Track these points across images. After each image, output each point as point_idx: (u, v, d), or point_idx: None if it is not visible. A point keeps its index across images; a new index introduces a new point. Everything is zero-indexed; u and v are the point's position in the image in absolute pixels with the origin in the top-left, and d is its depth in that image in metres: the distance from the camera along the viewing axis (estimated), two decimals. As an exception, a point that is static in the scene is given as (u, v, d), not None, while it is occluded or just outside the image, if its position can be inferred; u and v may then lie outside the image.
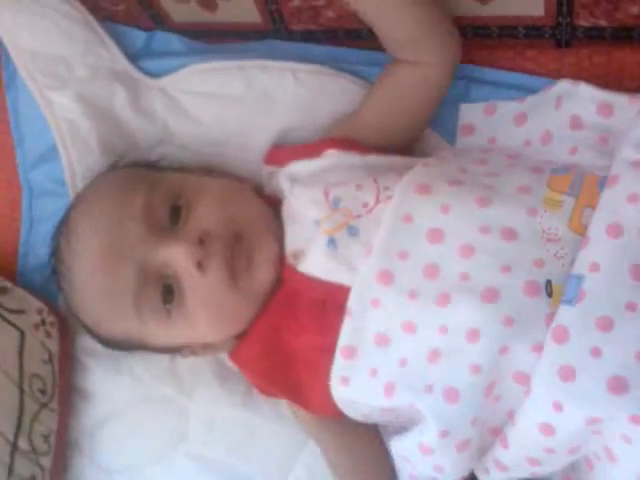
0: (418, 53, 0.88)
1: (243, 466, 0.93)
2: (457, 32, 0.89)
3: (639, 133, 0.77)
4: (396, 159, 0.88)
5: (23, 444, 0.89)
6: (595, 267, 0.72)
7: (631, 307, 0.71)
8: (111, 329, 0.87)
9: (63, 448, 0.95)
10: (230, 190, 0.88)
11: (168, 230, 0.82)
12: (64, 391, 0.94)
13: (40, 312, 0.93)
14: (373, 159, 0.87)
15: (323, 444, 0.90)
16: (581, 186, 0.78)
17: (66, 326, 0.95)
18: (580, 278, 0.73)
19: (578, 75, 0.89)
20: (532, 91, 0.91)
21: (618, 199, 0.75)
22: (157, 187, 0.84)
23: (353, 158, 0.87)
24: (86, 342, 0.94)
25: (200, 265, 0.80)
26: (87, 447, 0.97)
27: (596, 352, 0.70)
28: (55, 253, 0.89)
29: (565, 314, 0.72)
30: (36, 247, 0.99)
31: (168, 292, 0.82)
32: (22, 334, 0.91)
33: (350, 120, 0.92)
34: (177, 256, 0.80)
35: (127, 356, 0.94)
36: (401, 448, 0.81)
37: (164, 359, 0.94)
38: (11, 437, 0.88)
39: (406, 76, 0.89)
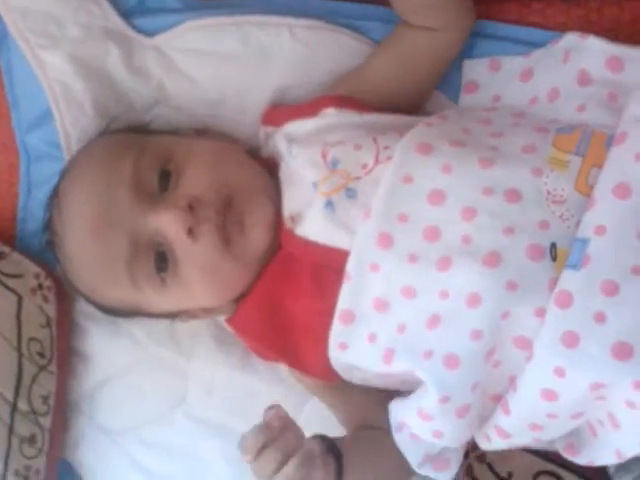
0: (432, 18, 0.85)
1: (242, 427, 0.91)
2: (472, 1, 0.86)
3: None
4: (397, 118, 0.86)
5: (22, 405, 0.90)
6: (601, 230, 0.70)
7: (638, 271, 0.69)
8: (107, 297, 0.86)
9: (62, 409, 0.96)
10: (221, 152, 0.86)
11: (158, 196, 0.80)
12: (63, 354, 0.94)
13: (37, 276, 0.93)
14: (372, 118, 0.85)
15: (331, 406, 0.90)
16: (588, 145, 0.75)
17: (63, 290, 0.95)
18: (585, 241, 0.71)
19: (586, 29, 0.85)
20: (538, 46, 0.88)
21: (626, 157, 0.72)
22: (146, 152, 0.82)
23: (352, 117, 0.85)
24: (85, 306, 0.93)
25: (191, 232, 0.78)
26: (87, 408, 0.97)
27: (600, 317, 0.68)
28: (48, 223, 0.87)
29: (569, 279, 0.70)
30: (34, 211, 0.97)
31: (162, 260, 0.81)
32: (20, 298, 0.91)
33: (352, 79, 0.89)
34: (166, 223, 0.79)
35: (126, 319, 0.93)
36: (400, 413, 0.80)
37: (162, 322, 0.93)
38: (11, 398, 0.89)
39: (417, 42, 0.86)
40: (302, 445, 0.67)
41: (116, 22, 0.92)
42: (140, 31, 0.93)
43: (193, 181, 0.80)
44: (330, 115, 0.85)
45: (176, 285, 0.81)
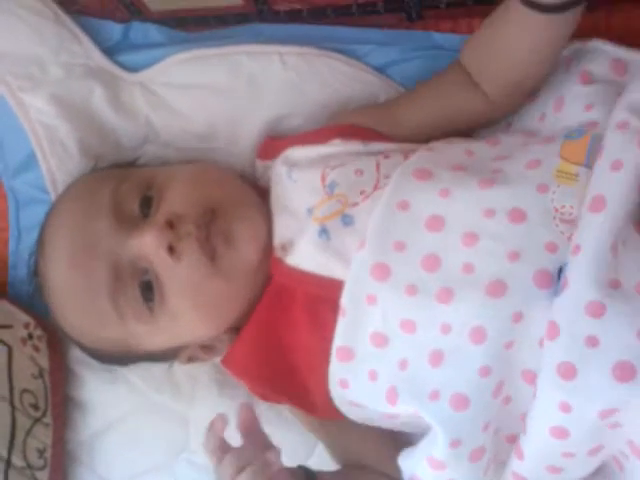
0: (506, 97, 0.80)
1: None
2: None
3: (635, 98, 0.70)
4: (402, 145, 0.81)
5: (17, 461, 0.86)
6: (577, 249, 0.65)
7: (616, 284, 0.64)
8: (97, 338, 0.81)
9: (60, 461, 0.92)
10: (204, 171, 0.82)
11: (140, 221, 0.77)
12: (58, 404, 0.91)
13: (27, 326, 0.90)
14: (377, 146, 0.81)
15: (328, 446, 0.85)
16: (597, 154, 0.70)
17: (56, 339, 0.91)
18: (565, 265, 0.66)
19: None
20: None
21: (603, 168, 0.67)
22: (127, 180, 0.79)
23: (356, 146, 0.81)
24: (80, 353, 0.89)
25: (172, 250, 0.74)
26: (86, 458, 0.94)
27: (592, 341, 0.63)
28: (34, 268, 0.84)
29: (554, 307, 0.65)
30: (25, 257, 0.93)
31: (147, 289, 0.76)
32: (9, 349, 0.88)
33: (378, 113, 0.84)
34: (145, 245, 0.74)
35: (122, 366, 0.89)
36: (410, 464, 0.74)
37: (160, 366, 0.89)
38: (4, 454, 0.85)
39: (471, 103, 0.81)
40: (263, 456, 0.64)
41: (99, 60, 0.90)
42: (124, 67, 0.91)
43: (174, 200, 0.77)
44: (336, 145, 0.81)
45: (164, 314, 0.77)
